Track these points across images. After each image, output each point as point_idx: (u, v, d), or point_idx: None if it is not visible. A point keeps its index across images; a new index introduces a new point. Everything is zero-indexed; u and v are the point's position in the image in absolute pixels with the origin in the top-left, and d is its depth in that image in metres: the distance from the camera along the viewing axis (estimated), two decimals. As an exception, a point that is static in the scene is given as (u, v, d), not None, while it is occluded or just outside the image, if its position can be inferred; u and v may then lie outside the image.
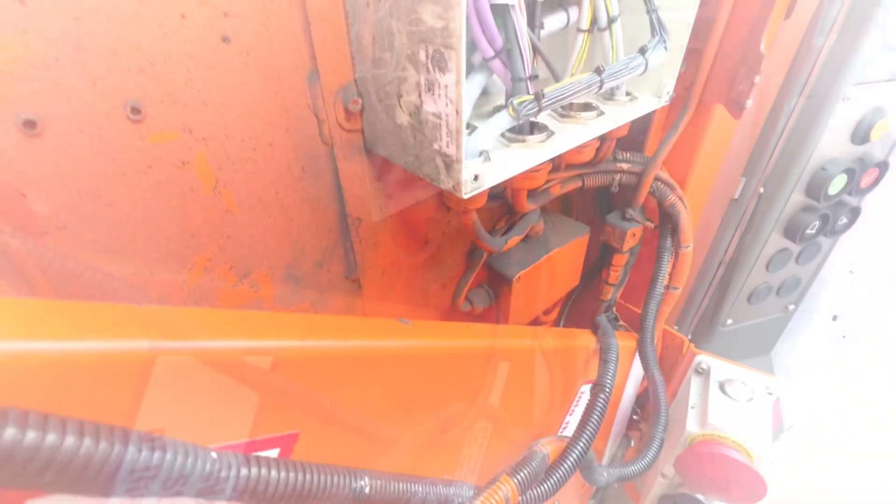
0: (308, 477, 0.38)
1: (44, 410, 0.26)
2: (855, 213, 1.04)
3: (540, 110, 0.51)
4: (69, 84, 0.41)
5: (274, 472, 0.37)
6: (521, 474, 0.51)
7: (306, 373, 0.46)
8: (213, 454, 0.35)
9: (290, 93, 0.53)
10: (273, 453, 0.47)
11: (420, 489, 0.45)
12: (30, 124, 0.41)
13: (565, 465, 0.57)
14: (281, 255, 0.63)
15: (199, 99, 0.47)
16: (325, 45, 0.52)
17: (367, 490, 0.41)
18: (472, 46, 0.48)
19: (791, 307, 1.27)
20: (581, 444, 0.60)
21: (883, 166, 0.95)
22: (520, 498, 0.50)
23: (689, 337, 1.03)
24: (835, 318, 1.50)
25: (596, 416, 0.66)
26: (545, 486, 0.56)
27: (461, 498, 0.48)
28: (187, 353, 0.35)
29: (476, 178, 0.48)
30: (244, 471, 0.35)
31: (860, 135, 0.89)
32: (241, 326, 0.42)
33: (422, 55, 0.42)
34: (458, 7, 0.37)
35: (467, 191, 0.48)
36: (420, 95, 0.45)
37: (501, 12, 0.46)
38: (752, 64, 0.66)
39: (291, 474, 0.37)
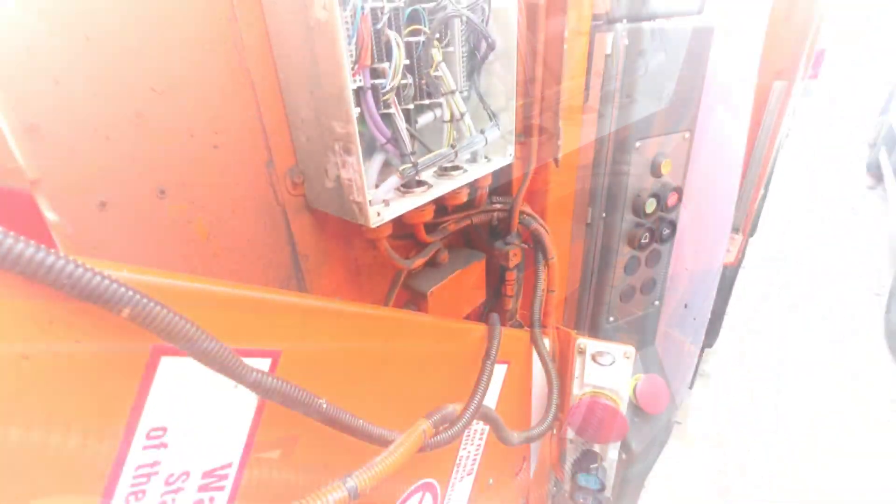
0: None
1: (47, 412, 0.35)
2: (672, 225, 1.41)
3: (417, 172, 0.81)
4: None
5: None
6: (435, 417, 0.71)
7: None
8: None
9: (255, 175, 0.76)
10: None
11: (363, 424, 0.61)
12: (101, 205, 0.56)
13: (468, 414, 0.77)
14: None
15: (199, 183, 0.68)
16: (277, 145, 0.77)
17: (324, 406, 0.54)
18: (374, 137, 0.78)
19: (656, 303, 1.57)
20: (477, 399, 0.80)
21: (679, 190, 1.36)
22: (434, 432, 0.68)
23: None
24: (686, 306, 1.80)
25: (485, 379, 0.86)
26: (453, 429, 0.74)
27: (391, 435, 0.64)
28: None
29: (379, 214, 0.76)
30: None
31: (655, 171, 1.28)
32: (244, 326, 0.50)
33: (336, 147, 0.71)
34: (353, 123, 0.67)
35: (374, 223, 0.75)
36: (338, 169, 0.73)
37: (387, 118, 0.78)
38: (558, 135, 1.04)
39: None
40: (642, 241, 1.33)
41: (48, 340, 0.36)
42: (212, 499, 0.50)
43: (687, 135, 1.28)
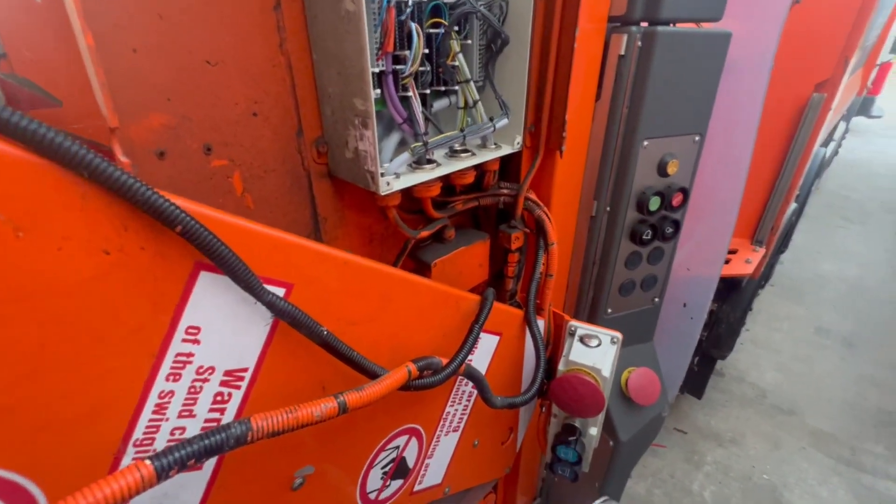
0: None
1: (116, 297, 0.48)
2: (676, 224, 1.45)
3: (427, 151, 0.92)
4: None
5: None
6: (421, 363, 0.81)
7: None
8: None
9: (286, 142, 0.88)
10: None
11: (357, 356, 0.71)
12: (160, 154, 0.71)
13: (452, 365, 0.87)
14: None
15: (239, 143, 0.81)
16: (306, 116, 0.89)
17: (324, 333, 0.66)
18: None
19: (656, 300, 1.61)
20: (461, 354, 0.90)
21: (684, 191, 1.39)
22: (418, 374, 0.79)
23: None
24: (684, 304, 1.92)
25: (471, 339, 0.94)
26: (437, 376, 0.84)
27: (380, 370, 0.74)
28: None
29: (388, 184, 0.86)
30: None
31: (661, 170, 1.33)
32: (266, 257, 0.61)
33: (356, 121, 0.81)
34: (371, 101, 0.77)
35: (383, 191, 0.85)
36: (356, 141, 0.83)
37: (405, 100, 0.88)
38: (563, 127, 1.12)
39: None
40: (644, 237, 1.38)
41: (122, 242, 0.48)
42: (230, 394, 0.63)
43: (697, 138, 1.33)
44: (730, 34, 1.22)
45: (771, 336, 4.44)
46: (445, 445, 1.15)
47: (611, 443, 1.58)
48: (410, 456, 1.06)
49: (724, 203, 1.63)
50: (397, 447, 1.01)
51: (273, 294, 0.59)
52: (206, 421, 0.61)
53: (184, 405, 0.58)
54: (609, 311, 1.52)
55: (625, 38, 1.15)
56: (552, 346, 1.33)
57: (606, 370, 1.11)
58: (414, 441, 1.05)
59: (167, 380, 0.56)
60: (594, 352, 1.15)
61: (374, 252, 1.14)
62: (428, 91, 0.96)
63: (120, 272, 0.48)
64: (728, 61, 1.24)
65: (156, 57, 0.69)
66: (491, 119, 1.02)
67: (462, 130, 0.98)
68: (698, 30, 1.20)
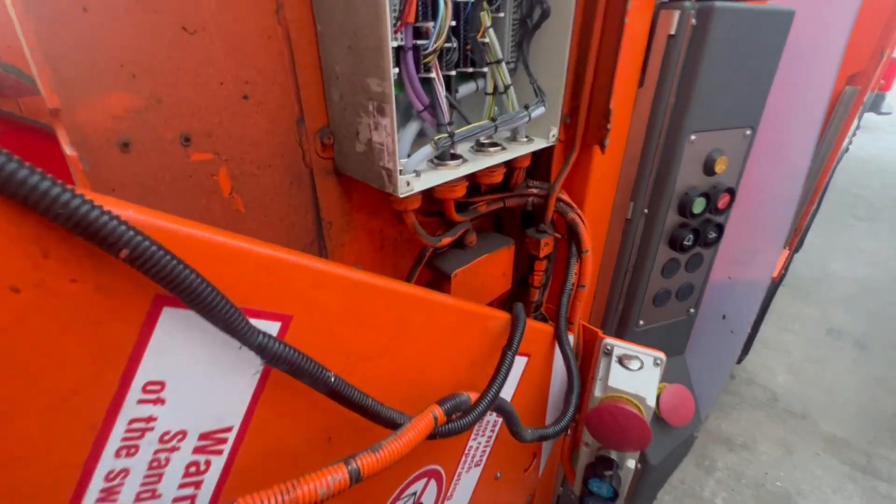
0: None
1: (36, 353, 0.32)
2: (720, 229, 1.30)
3: (453, 144, 0.76)
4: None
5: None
6: (447, 405, 0.67)
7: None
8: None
9: (285, 132, 0.73)
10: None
11: (373, 403, 0.58)
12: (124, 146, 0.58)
13: (482, 404, 0.73)
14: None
15: (226, 133, 0.66)
16: (309, 101, 0.74)
17: (332, 379, 0.51)
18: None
19: (692, 311, 1.48)
20: (493, 389, 0.76)
21: (731, 192, 1.25)
22: (445, 420, 0.65)
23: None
24: (724, 317, 1.76)
25: (504, 369, 0.80)
26: (466, 418, 0.70)
27: (402, 419, 0.60)
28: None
29: (408, 183, 0.72)
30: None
31: (708, 168, 1.18)
32: (255, 285, 0.47)
33: (370, 107, 0.67)
34: (390, 80, 0.63)
35: (402, 192, 0.71)
36: (370, 131, 0.69)
37: (427, 83, 0.74)
38: (607, 118, 0.96)
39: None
40: (685, 243, 1.23)
41: (40, 276, 0.33)
42: (208, 462, 0.48)
43: (748, 132, 1.18)
44: (793, 12, 1.06)
45: (781, 337, 4.32)
46: (466, 483, 1.01)
47: (639, 465, 1.45)
48: (429, 500, 0.92)
49: (777, 205, 1.48)
50: (414, 493, 0.87)
51: (264, 335, 0.44)
52: (175, 500, 0.46)
53: (143, 485, 0.44)
54: (641, 322, 1.38)
55: (676, 14, 1.00)
56: (582, 364, 1.18)
57: (651, 398, 0.97)
58: (433, 483, 0.90)
59: (118, 455, 0.41)
60: (636, 376, 1.01)
61: (386, 259, 0.99)
62: (453, 73, 0.80)
63: (38, 317, 0.33)
64: (788, 44, 1.09)
65: (115, 18, 0.53)
66: (526, 107, 0.87)
67: (493, 120, 0.82)
68: (759, 7, 1.05)
